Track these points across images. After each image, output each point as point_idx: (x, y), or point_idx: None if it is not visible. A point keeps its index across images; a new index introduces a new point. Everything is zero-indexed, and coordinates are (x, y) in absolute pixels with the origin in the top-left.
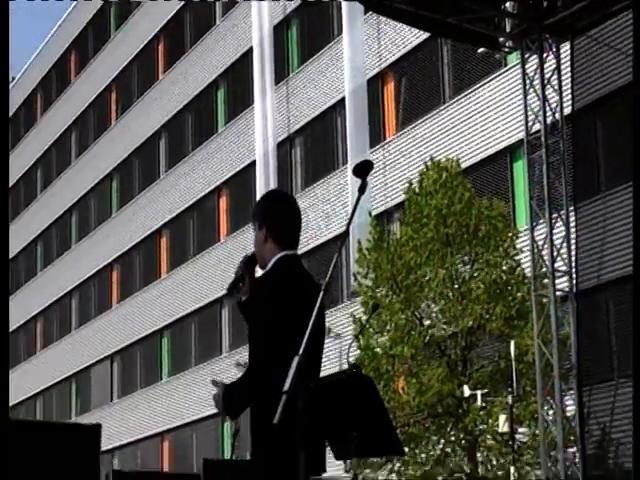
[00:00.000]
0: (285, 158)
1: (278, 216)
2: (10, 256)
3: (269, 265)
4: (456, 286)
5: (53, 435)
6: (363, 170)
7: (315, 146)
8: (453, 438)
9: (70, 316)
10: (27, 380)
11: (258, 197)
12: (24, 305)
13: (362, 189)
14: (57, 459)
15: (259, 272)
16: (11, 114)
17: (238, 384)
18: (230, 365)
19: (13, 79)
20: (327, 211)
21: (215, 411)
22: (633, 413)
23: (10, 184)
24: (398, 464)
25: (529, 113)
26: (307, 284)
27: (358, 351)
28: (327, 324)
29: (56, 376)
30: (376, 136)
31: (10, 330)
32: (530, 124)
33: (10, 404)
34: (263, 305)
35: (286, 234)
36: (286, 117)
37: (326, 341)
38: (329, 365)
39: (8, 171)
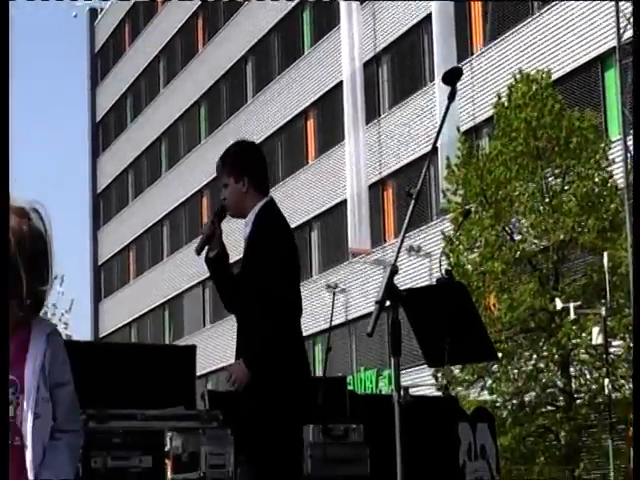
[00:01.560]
0: (372, 77)
1: (255, 165)
2: (102, 186)
3: (252, 213)
4: (547, 200)
5: (151, 356)
6: (452, 77)
7: (402, 64)
8: (546, 353)
9: (162, 244)
10: (121, 308)
11: (346, 117)
12: (117, 235)
13: (452, 96)
14: (155, 380)
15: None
16: (99, 46)
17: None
18: (320, 287)
19: (101, 10)
20: (414, 129)
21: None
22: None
23: (100, 115)
24: (490, 381)
25: (621, 19)
26: (289, 227)
27: (443, 270)
28: (417, 242)
29: (150, 303)
30: (463, 51)
31: (104, 260)
32: (622, 31)
33: (105, 332)
34: (269, 253)
35: (264, 182)
36: (372, 36)
37: (416, 260)
38: (419, 284)
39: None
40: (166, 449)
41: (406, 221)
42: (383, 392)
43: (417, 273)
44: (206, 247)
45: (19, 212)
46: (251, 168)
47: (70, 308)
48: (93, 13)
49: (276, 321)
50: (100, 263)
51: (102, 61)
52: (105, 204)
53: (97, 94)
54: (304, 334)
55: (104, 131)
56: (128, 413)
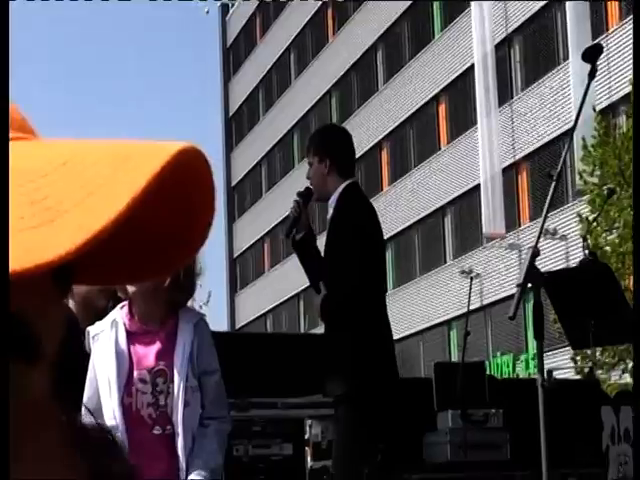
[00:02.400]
0: (504, 59)
1: (339, 148)
2: (236, 180)
3: (335, 195)
4: None
5: (289, 345)
6: (593, 54)
7: (534, 44)
8: None
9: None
10: (257, 299)
11: (478, 101)
12: (251, 227)
13: (592, 74)
14: (293, 368)
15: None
16: (231, 41)
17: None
18: (454, 273)
19: (233, 5)
20: (548, 110)
21: (440, 320)
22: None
23: (233, 110)
24: (632, 363)
25: None
26: (374, 210)
27: (586, 251)
28: (553, 225)
29: (285, 294)
30: (598, 28)
31: (239, 252)
32: None
33: (241, 323)
34: (351, 236)
35: (347, 164)
36: (504, 17)
37: (552, 243)
38: (556, 268)
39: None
40: (306, 437)
41: (547, 202)
42: (521, 377)
43: (553, 256)
44: (294, 229)
45: None
46: (335, 150)
47: (208, 300)
48: (224, 8)
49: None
50: (235, 255)
51: (234, 55)
52: (239, 197)
53: (229, 88)
54: (440, 320)
55: (237, 125)
56: (268, 401)
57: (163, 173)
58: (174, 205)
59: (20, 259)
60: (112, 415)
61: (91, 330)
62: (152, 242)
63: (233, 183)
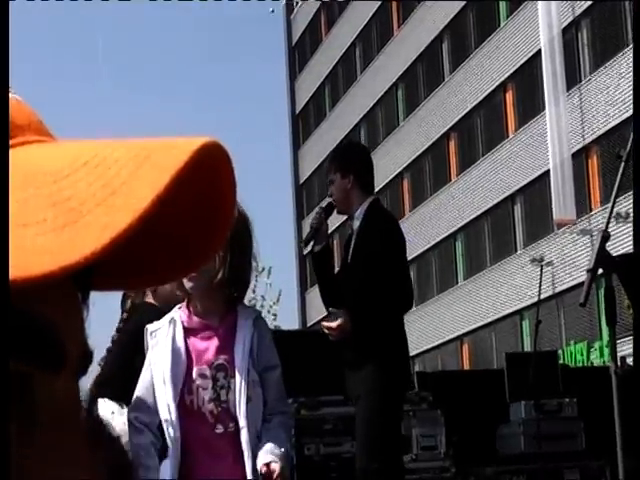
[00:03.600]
0: (571, 43)
1: (362, 164)
2: (304, 177)
3: (361, 209)
4: None
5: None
6: None
7: (602, 27)
8: None
9: None
10: None
11: (546, 86)
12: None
13: None
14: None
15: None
16: (296, 39)
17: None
18: (525, 262)
19: (297, 3)
20: (617, 93)
21: (512, 310)
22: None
23: (300, 107)
24: None
25: None
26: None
27: None
28: (625, 209)
29: None
30: None
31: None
32: None
33: (312, 321)
34: (385, 243)
35: (369, 182)
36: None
37: (624, 227)
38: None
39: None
40: None
41: (616, 185)
42: (595, 365)
43: (626, 242)
44: (312, 240)
45: None
46: (358, 167)
47: (278, 299)
48: (289, 7)
49: (399, 296)
50: (305, 253)
51: (300, 53)
52: (307, 194)
53: (296, 86)
54: (511, 310)
55: (304, 122)
56: (339, 399)
57: (186, 169)
58: (195, 203)
59: (44, 262)
60: (167, 410)
61: (149, 328)
62: (172, 242)
63: (301, 181)
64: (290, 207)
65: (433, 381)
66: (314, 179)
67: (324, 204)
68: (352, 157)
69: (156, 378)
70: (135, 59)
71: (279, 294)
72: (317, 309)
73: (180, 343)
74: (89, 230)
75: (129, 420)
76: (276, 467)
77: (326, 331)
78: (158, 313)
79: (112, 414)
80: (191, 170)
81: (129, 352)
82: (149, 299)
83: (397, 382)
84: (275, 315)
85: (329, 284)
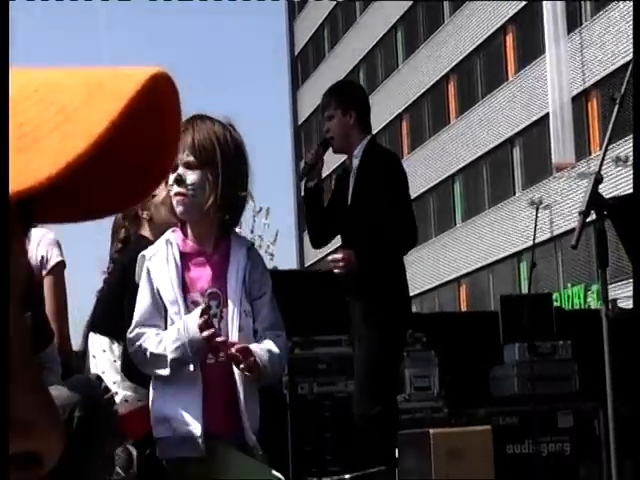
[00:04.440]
0: None
1: (363, 102)
2: (302, 119)
3: (360, 147)
4: None
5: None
6: None
7: None
8: None
9: None
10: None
11: (546, 29)
12: None
13: None
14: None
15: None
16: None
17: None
18: (524, 205)
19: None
20: (619, 35)
21: (509, 252)
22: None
23: (299, 48)
24: None
25: None
26: None
27: None
28: (624, 152)
29: None
30: None
31: None
32: None
33: (310, 262)
34: (391, 180)
35: (369, 120)
36: None
37: (623, 170)
38: None
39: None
40: None
41: (610, 127)
42: (592, 307)
43: (624, 184)
44: (307, 176)
45: (221, 122)
46: (359, 104)
47: (275, 240)
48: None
49: (404, 234)
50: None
51: (302, 64)
52: (306, 134)
53: (295, 27)
54: (509, 252)
55: (303, 63)
56: (333, 339)
57: (138, 98)
58: (143, 132)
59: None
60: (183, 323)
61: (146, 253)
62: (118, 172)
63: (299, 122)
64: (289, 148)
65: (427, 322)
66: (312, 120)
67: (322, 140)
68: (354, 94)
69: (165, 296)
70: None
71: (276, 234)
72: (315, 251)
73: (178, 266)
74: (44, 155)
75: (130, 339)
76: (253, 349)
77: (332, 264)
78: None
79: (103, 352)
80: (142, 98)
81: (121, 287)
82: (144, 230)
83: (399, 322)
84: (272, 255)
85: (320, 220)
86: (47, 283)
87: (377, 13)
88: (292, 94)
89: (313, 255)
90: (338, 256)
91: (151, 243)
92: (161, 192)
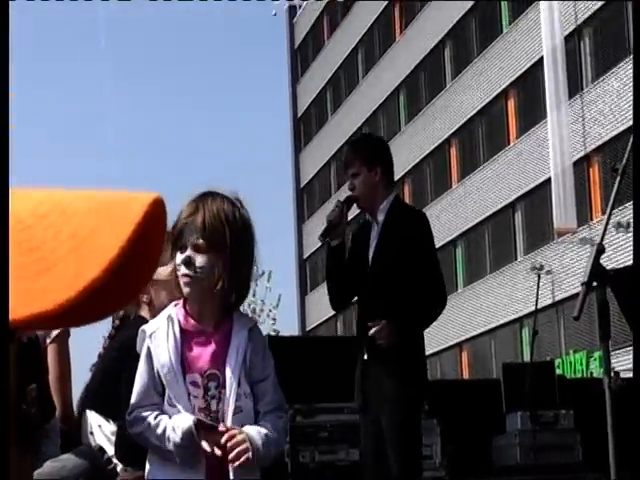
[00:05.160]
0: (573, 51)
1: (388, 160)
2: (305, 180)
3: (385, 203)
4: None
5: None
6: None
7: (605, 35)
8: None
9: None
10: (327, 301)
11: (547, 94)
12: (321, 228)
13: None
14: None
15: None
16: (299, 42)
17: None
18: (525, 269)
19: (300, 7)
20: (620, 101)
21: (511, 317)
22: None
23: (301, 111)
24: None
25: None
26: None
27: None
28: (626, 219)
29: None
30: None
31: (309, 253)
32: None
33: (312, 325)
34: (425, 239)
35: (392, 174)
36: (573, 7)
37: (625, 237)
38: (628, 263)
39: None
40: None
41: (612, 197)
42: (594, 375)
43: (627, 251)
44: (330, 234)
45: (230, 199)
46: (384, 159)
47: (278, 304)
48: (292, 10)
49: (437, 299)
50: (305, 257)
51: (302, 56)
52: (308, 198)
53: (298, 89)
54: (512, 318)
55: (305, 125)
56: (335, 407)
57: (142, 223)
58: (143, 251)
59: (17, 309)
60: (187, 399)
61: (147, 329)
62: (121, 284)
63: (302, 184)
64: (291, 211)
65: (430, 390)
66: (315, 183)
67: (342, 198)
68: (378, 150)
69: (164, 373)
70: (134, 54)
71: (279, 298)
72: (317, 313)
73: (178, 345)
74: (62, 279)
75: (130, 422)
76: (241, 438)
77: (375, 335)
78: None
79: (99, 427)
80: (145, 224)
81: (117, 365)
82: (143, 312)
83: (421, 390)
84: (274, 319)
85: (342, 280)
86: (51, 351)
87: (380, 76)
88: (295, 157)
89: (315, 319)
90: (379, 327)
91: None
92: (162, 275)
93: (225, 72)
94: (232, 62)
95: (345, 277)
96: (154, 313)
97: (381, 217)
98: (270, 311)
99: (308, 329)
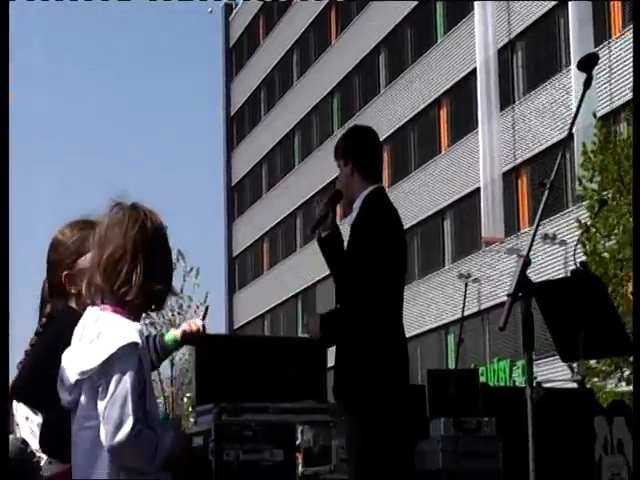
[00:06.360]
0: (506, 64)
1: (362, 151)
2: (237, 179)
3: (359, 200)
4: None
5: (283, 349)
6: (588, 63)
7: (537, 50)
8: None
9: (295, 235)
10: (255, 300)
11: (480, 105)
12: (251, 226)
13: (587, 83)
14: (287, 373)
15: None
16: (234, 41)
17: (337, 314)
18: (453, 276)
19: (236, 5)
20: (550, 116)
21: (438, 324)
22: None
23: (235, 109)
24: (628, 371)
25: None
26: (397, 216)
27: (584, 257)
28: (552, 230)
29: (283, 295)
30: (601, 35)
31: (238, 251)
32: None
33: (239, 324)
34: (369, 241)
35: (371, 168)
36: (506, 21)
37: (551, 248)
38: (554, 273)
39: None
40: (297, 442)
41: (539, 212)
42: (517, 383)
43: (552, 261)
44: (319, 227)
45: (134, 211)
46: (357, 153)
47: (205, 300)
48: (228, 9)
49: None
50: (234, 255)
51: (236, 55)
52: (239, 196)
53: (232, 88)
54: (439, 324)
55: (238, 124)
56: (260, 406)
57: None
58: None
59: None
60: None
61: (139, 341)
62: None
63: (233, 182)
64: (221, 208)
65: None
66: (246, 181)
67: (333, 191)
68: (352, 143)
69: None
70: (66, 53)
71: (206, 295)
72: (244, 312)
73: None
74: None
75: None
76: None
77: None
78: (79, 318)
79: (26, 419)
80: None
81: (47, 358)
82: (72, 302)
83: (389, 392)
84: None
85: (338, 271)
86: None
87: (314, 78)
88: (227, 154)
89: (242, 317)
90: (311, 321)
91: (79, 315)
92: (88, 263)
93: (158, 71)
94: (166, 59)
95: (340, 268)
96: (83, 302)
97: (354, 214)
98: (197, 307)
99: (235, 327)
